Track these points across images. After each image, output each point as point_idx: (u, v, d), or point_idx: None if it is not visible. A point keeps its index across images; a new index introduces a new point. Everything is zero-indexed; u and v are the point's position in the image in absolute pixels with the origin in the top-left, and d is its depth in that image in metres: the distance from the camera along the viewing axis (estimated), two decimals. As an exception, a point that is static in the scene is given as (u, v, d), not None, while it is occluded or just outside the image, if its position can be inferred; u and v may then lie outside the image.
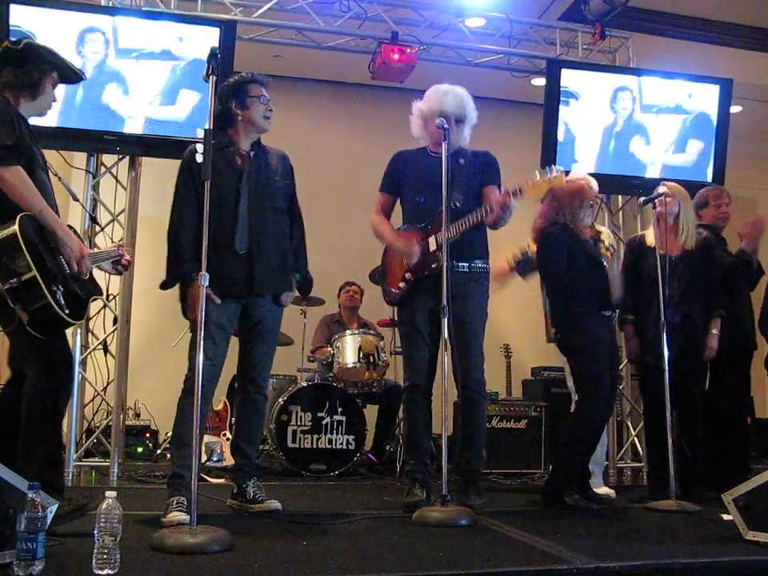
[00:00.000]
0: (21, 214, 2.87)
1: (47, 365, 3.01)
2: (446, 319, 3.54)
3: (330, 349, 5.93)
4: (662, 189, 4.53)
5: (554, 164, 5.84)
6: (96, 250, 3.47)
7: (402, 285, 3.99)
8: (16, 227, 2.82)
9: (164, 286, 3.56)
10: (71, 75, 3.33)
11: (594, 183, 4.49)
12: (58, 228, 2.99)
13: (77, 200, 4.08)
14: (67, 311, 2.93)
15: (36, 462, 2.92)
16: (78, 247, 3.05)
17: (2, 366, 6.37)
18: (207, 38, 5.27)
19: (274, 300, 3.69)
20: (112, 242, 5.15)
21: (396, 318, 4.26)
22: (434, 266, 3.85)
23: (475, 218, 3.83)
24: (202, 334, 2.90)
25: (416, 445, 3.92)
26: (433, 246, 3.90)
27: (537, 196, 3.91)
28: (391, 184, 4.13)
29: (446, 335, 3.55)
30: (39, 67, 3.13)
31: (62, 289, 2.93)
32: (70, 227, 3.18)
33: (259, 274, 3.55)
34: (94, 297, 3.37)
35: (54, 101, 3.27)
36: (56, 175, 3.44)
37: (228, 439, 5.56)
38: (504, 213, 3.82)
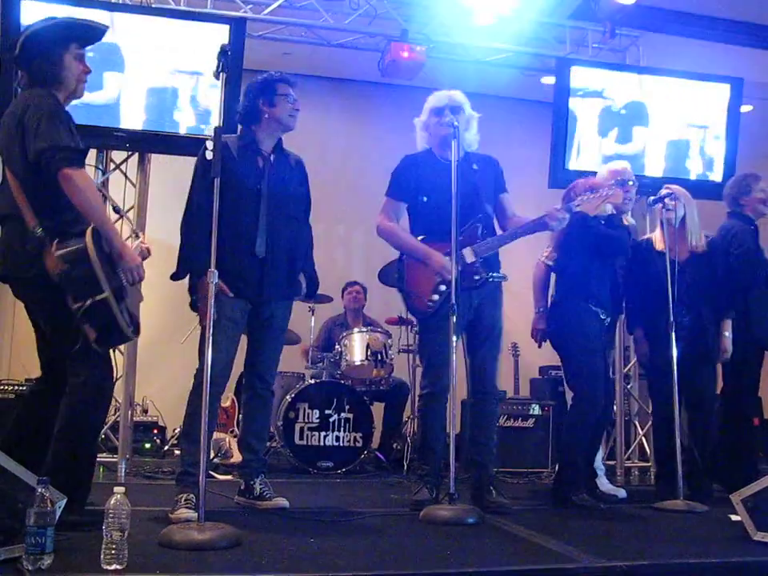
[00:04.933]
0: (91, 228, 2.79)
1: (100, 374, 2.96)
2: (453, 317, 3.53)
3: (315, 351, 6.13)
4: (667, 191, 4.52)
5: (564, 163, 5.94)
6: None
7: (435, 297, 3.85)
8: (89, 243, 2.75)
9: (175, 276, 3.55)
10: (92, 35, 3.11)
11: (626, 172, 4.53)
12: (117, 239, 2.92)
13: (99, 190, 4.09)
14: (132, 329, 2.91)
15: (66, 473, 2.79)
16: (133, 257, 2.97)
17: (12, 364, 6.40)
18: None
19: None
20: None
21: (418, 325, 4.20)
22: (476, 277, 3.77)
23: (521, 233, 3.85)
24: (212, 330, 2.91)
25: (432, 450, 3.90)
26: (471, 258, 3.79)
27: (593, 213, 3.85)
28: (402, 189, 4.01)
29: (452, 335, 3.54)
30: (49, 57, 2.95)
31: (123, 306, 2.87)
32: None
33: (271, 281, 3.58)
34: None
35: (88, 73, 3.07)
36: None
37: (236, 436, 5.57)
38: (560, 225, 3.84)
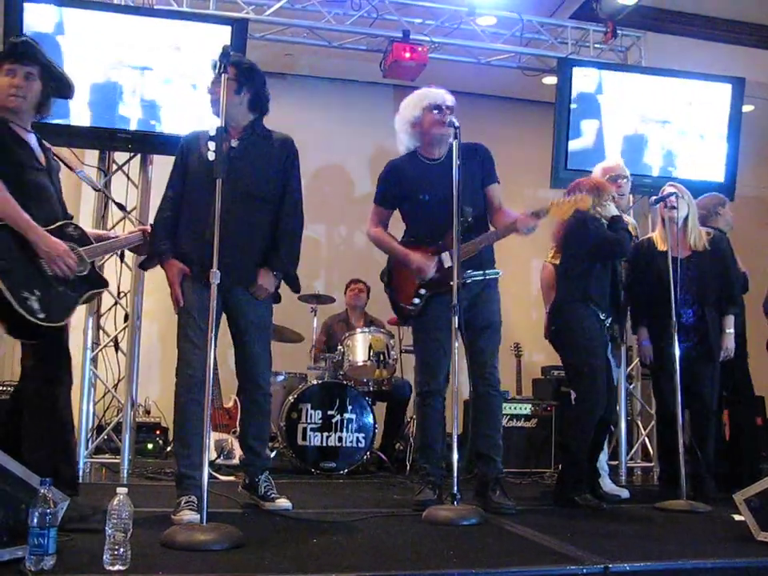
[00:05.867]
0: None
1: (40, 358, 3.08)
2: (456, 318, 3.54)
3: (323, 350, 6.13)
4: (670, 189, 4.52)
5: (566, 163, 5.94)
6: (110, 240, 3.50)
7: (416, 301, 3.91)
8: None
9: (142, 265, 3.62)
10: (12, 48, 3.24)
11: (619, 168, 4.59)
12: (30, 232, 3.00)
13: (97, 189, 4.12)
14: (42, 315, 2.96)
15: (40, 452, 2.96)
16: (52, 247, 3.05)
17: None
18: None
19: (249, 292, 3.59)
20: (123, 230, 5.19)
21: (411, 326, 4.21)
22: (451, 282, 3.76)
23: (495, 238, 3.85)
24: (186, 323, 2.93)
25: (432, 449, 3.91)
26: (448, 263, 3.82)
27: (562, 218, 3.89)
28: (388, 196, 4.04)
29: (457, 334, 3.54)
30: None
31: (37, 293, 2.97)
32: (69, 224, 3.21)
33: (226, 265, 3.29)
34: (93, 292, 3.37)
35: (15, 86, 3.14)
36: (71, 169, 3.46)
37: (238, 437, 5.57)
38: (529, 231, 3.79)
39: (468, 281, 3.84)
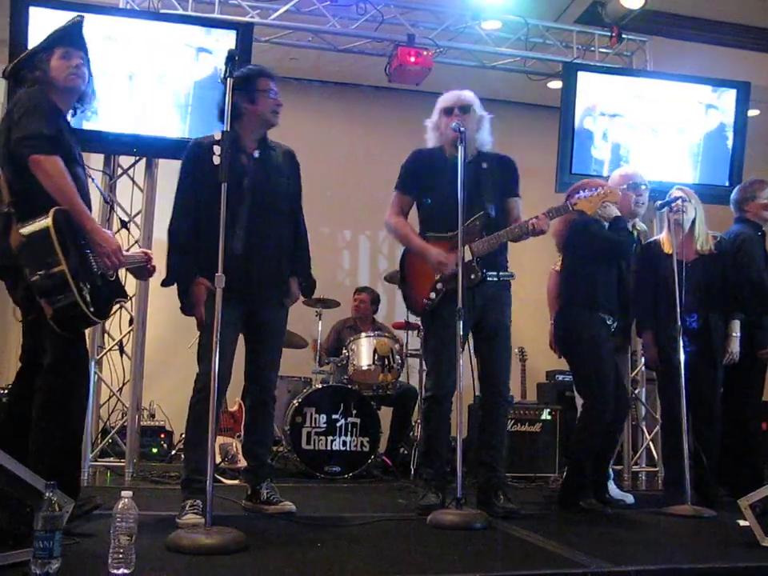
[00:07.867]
0: (55, 208, 2.87)
1: (66, 361, 3.00)
2: (461, 323, 3.53)
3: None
4: (677, 193, 4.50)
5: (571, 167, 5.94)
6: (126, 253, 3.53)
7: (432, 295, 3.86)
8: (50, 220, 2.83)
9: (164, 283, 3.56)
10: (72, 31, 3.25)
11: (637, 176, 4.52)
12: (89, 222, 3.00)
13: (108, 202, 4.13)
14: (93, 309, 2.92)
15: (47, 457, 2.89)
16: (108, 242, 3.05)
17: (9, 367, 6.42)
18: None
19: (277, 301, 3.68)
20: (127, 243, 5.23)
21: (422, 326, 4.19)
22: (472, 276, 3.76)
23: (516, 234, 3.81)
24: (210, 334, 2.92)
25: (437, 454, 3.88)
26: (468, 257, 3.77)
27: (591, 212, 3.88)
28: (410, 183, 4.01)
29: (459, 338, 3.53)
30: (36, 64, 3.14)
31: (88, 286, 2.93)
32: None
33: (257, 279, 3.51)
34: (119, 299, 3.37)
35: (75, 65, 3.18)
36: (89, 177, 3.47)
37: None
38: (540, 232, 3.78)
39: (488, 277, 3.82)
